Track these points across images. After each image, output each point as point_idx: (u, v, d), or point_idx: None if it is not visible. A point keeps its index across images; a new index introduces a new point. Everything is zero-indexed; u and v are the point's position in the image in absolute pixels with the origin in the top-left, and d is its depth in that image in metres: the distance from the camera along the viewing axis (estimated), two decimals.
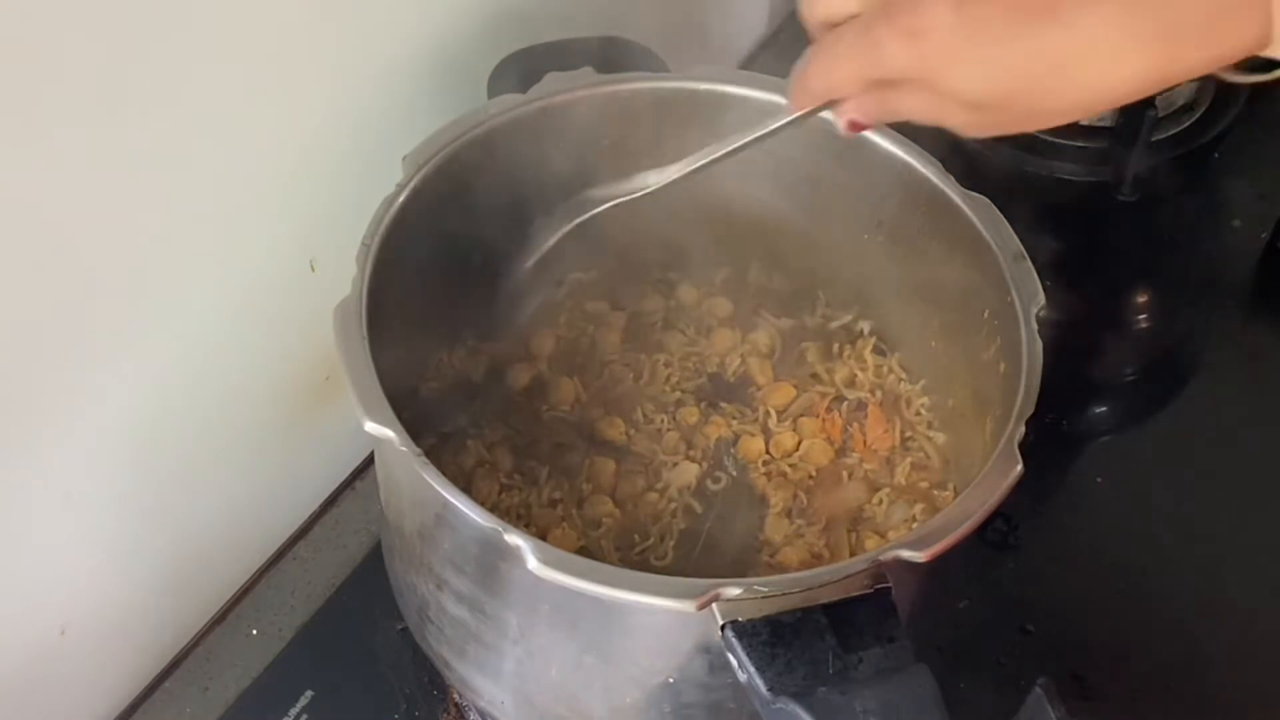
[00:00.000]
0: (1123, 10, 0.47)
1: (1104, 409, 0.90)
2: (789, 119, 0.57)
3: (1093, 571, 0.78)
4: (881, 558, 0.53)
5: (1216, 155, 0.98)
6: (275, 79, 0.64)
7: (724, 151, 0.61)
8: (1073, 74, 0.48)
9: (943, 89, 0.50)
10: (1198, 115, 0.99)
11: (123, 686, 0.72)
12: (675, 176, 0.63)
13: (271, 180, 0.67)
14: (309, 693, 0.71)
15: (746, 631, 0.51)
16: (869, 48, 0.51)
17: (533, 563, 0.52)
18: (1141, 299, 0.95)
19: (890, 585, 0.53)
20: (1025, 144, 0.97)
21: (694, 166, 0.62)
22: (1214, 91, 1.00)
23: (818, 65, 0.54)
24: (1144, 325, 0.95)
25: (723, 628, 0.51)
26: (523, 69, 0.72)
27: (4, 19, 0.50)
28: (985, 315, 0.66)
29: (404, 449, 0.55)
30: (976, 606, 0.75)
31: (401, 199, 0.64)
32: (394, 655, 0.72)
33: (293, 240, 0.70)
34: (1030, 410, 0.59)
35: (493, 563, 0.56)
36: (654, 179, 0.64)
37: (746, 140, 0.60)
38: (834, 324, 0.78)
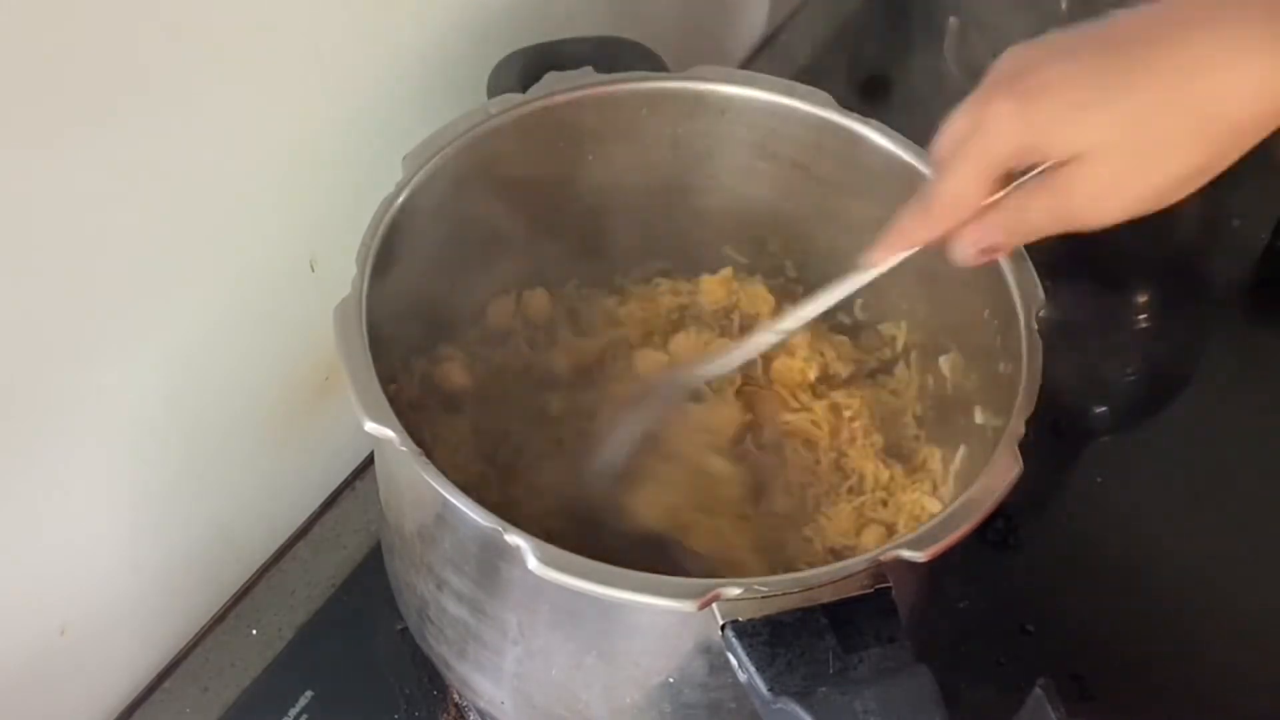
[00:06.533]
0: (1249, 18, 0.46)
1: (1104, 409, 0.89)
2: (893, 261, 0.57)
3: (1093, 571, 0.78)
4: (881, 558, 0.53)
5: None
6: (276, 80, 0.64)
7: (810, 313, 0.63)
8: (1196, 91, 0.46)
9: (1060, 148, 0.48)
10: None
11: (123, 686, 0.71)
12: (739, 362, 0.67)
13: (272, 180, 0.67)
14: (309, 693, 0.71)
15: (747, 631, 0.51)
16: (978, 110, 0.50)
17: (533, 563, 0.52)
18: (1141, 299, 0.95)
19: (890, 585, 0.53)
20: None
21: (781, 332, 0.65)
22: None
23: (943, 182, 0.52)
24: (1144, 325, 0.95)
25: (723, 628, 0.51)
26: (522, 68, 0.71)
27: (8, 25, 0.50)
28: (986, 315, 0.66)
29: (404, 449, 0.55)
30: (976, 606, 0.75)
31: (401, 199, 0.64)
32: (394, 655, 0.72)
33: (293, 240, 0.70)
34: (1030, 410, 0.59)
35: (492, 563, 0.56)
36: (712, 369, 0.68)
37: (831, 299, 0.62)
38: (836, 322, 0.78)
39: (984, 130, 0.50)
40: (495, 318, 0.75)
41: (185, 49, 0.58)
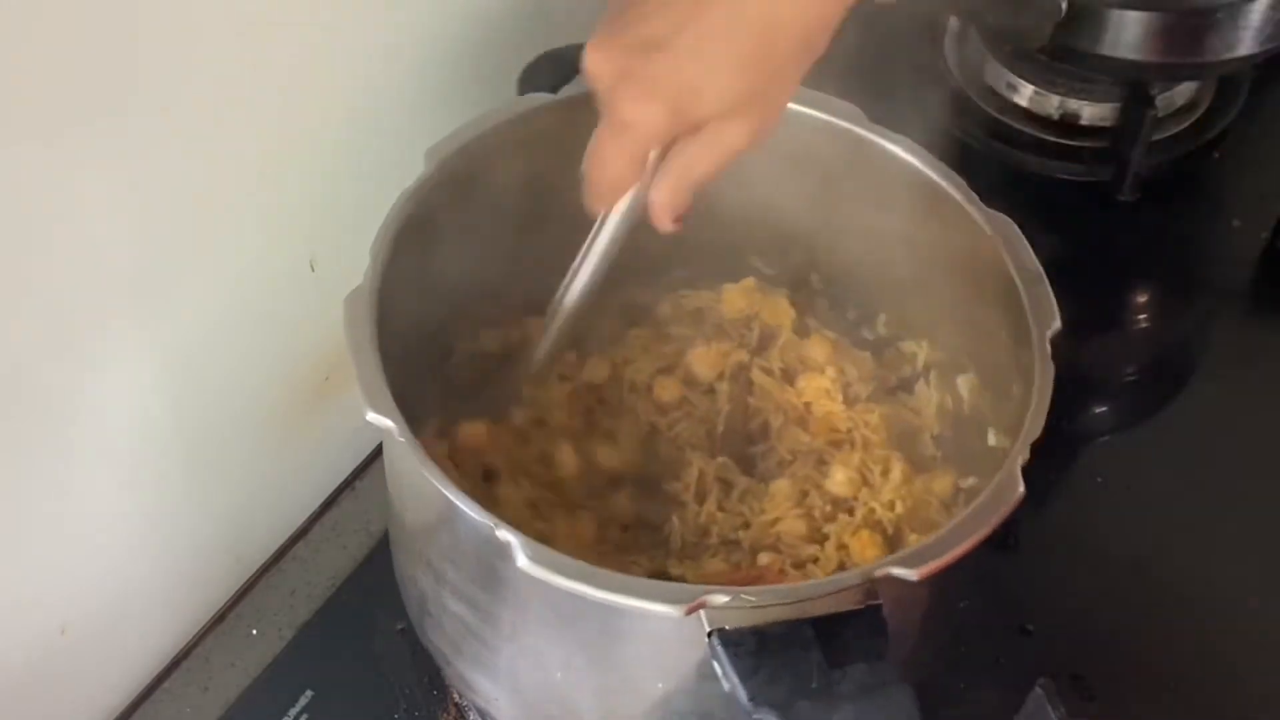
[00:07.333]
0: None
1: (1104, 409, 0.89)
2: (604, 222, 0.62)
3: (1093, 571, 0.78)
4: (874, 574, 0.53)
5: (1216, 155, 0.98)
6: (274, 80, 0.64)
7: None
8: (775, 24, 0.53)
9: (699, 112, 0.54)
10: (1198, 115, 0.99)
11: (123, 686, 0.72)
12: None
13: (272, 180, 0.67)
14: (309, 693, 0.71)
15: (732, 640, 0.51)
16: (620, 126, 0.55)
17: (521, 560, 0.52)
18: (1141, 299, 0.95)
19: (881, 603, 0.52)
20: (1025, 144, 0.97)
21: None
22: (1214, 91, 1.00)
23: (594, 167, 0.58)
24: (1144, 325, 0.95)
25: (709, 634, 0.51)
26: (554, 70, 0.70)
27: (9, 25, 0.50)
28: (1003, 335, 0.65)
29: (403, 440, 0.55)
30: (976, 606, 0.75)
31: (421, 191, 0.64)
32: (394, 655, 0.73)
33: (293, 240, 0.70)
34: (1037, 434, 0.59)
35: (488, 559, 0.56)
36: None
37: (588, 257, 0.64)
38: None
39: (629, 129, 0.55)
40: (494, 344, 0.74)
41: (185, 49, 0.58)
